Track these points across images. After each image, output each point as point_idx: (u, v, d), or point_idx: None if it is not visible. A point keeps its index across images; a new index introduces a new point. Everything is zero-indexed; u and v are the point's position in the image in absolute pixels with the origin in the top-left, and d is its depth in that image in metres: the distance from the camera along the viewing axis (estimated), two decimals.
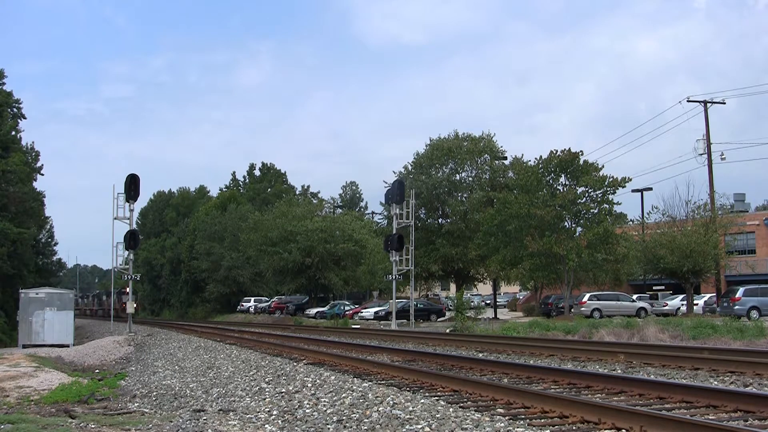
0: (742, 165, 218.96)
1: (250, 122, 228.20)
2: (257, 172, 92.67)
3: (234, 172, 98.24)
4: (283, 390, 12.25)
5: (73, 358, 26.24)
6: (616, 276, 42.15)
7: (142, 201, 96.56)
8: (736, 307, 34.58)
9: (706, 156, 41.51)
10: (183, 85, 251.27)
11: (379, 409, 9.56)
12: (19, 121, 55.14)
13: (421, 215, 49.96)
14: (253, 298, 67.62)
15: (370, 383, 12.04)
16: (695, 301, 42.36)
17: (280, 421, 9.78)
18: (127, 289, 71.19)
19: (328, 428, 8.96)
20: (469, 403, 9.93)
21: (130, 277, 36.89)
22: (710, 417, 8.39)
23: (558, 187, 39.28)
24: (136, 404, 13.13)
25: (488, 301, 61.63)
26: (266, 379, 13.91)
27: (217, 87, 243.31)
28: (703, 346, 17.83)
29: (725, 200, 45.14)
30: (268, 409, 10.73)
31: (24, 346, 32.06)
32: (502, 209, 39.85)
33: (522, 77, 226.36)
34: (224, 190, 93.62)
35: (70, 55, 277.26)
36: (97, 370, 21.54)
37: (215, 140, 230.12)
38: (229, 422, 9.98)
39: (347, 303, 55.44)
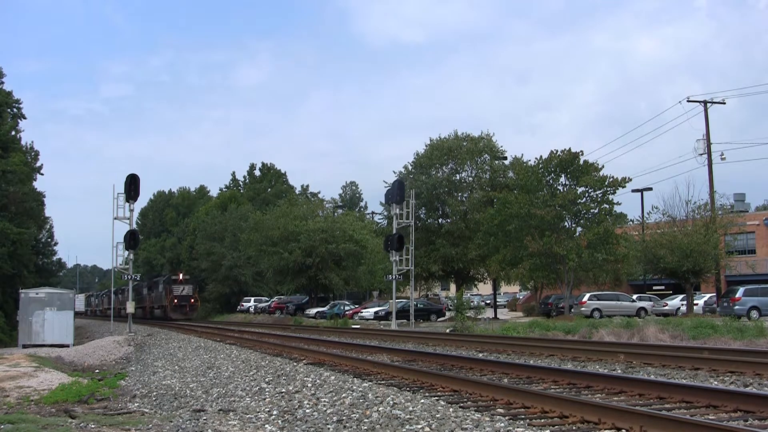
0: (742, 165, 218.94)
1: (250, 122, 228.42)
2: (257, 172, 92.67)
3: (234, 172, 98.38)
4: (283, 390, 12.25)
5: (73, 358, 26.22)
6: (616, 276, 42.17)
7: (142, 201, 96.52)
8: (736, 307, 34.58)
9: (706, 156, 41.53)
10: (182, 84, 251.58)
11: (379, 409, 9.56)
12: (19, 121, 55.10)
13: (421, 215, 49.97)
14: (253, 298, 67.62)
15: (370, 383, 12.04)
16: (695, 301, 42.37)
17: (280, 421, 9.78)
18: (181, 276, 59.06)
19: (328, 428, 8.96)
20: (469, 403, 9.93)
21: (129, 277, 36.85)
22: (710, 417, 8.39)
23: (558, 187, 39.31)
24: (136, 404, 13.13)
25: (488, 301, 61.63)
26: (266, 379, 13.91)
27: (217, 86, 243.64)
28: (703, 346, 17.83)
29: (725, 200, 45.23)
30: (268, 409, 10.73)
31: (24, 346, 32.04)
32: (502, 209, 39.87)
33: (522, 76, 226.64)
34: (224, 190, 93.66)
35: (69, 55, 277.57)
36: (97, 370, 21.53)
37: (215, 140, 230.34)
38: (229, 422, 9.98)
39: (347, 303, 55.42)
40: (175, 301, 56.96)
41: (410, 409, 9.32)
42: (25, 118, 55.98)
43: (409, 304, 40.15)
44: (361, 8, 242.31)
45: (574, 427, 8.11)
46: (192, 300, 58.77)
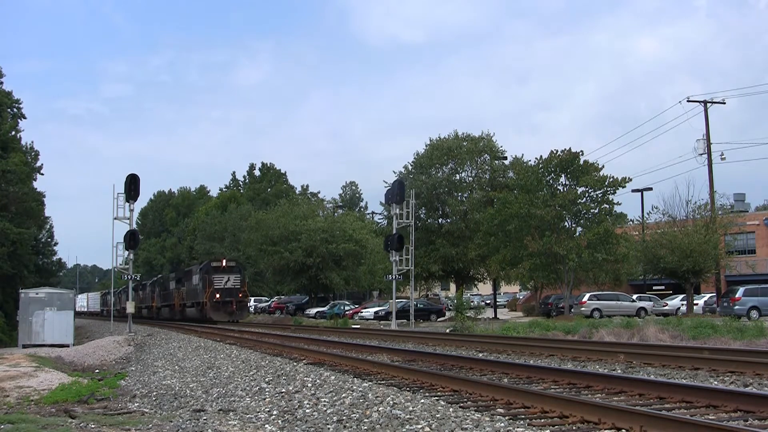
0: (742, 165, 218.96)
1: (250, 121, 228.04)
2: (257, 172, 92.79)
3: (234, 172, 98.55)
4: (283, 390, 12.25)
5: (73, 358, 26.21)
6: (616, 276, 42.21)
7: (142, 201, 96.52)
8: (736, 307, 34.61)
9: (706, 156, 41.55)
10: (182, 84, 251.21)
11: (379, 409, 9.56)
12: (19, 120, 55.08)
13: (421, 215, 49.97)
14: (253, 298, 67.60)
15: (370, 383, 12.04)
16: (695, 301, 42.38)
17: (280, 421, 9.78)
18: (224, 263, 45.96)
19: (328, 428, 8.96)
20: (469, 403, 9.92)
21: (129, 277, 36.84)
22: (710, 417, 8.39)
23: (558, 187, 39.35)
24: (136, 404, 13.12)
25: (488, 301, 61.63)
26: (266, 379, 13.91)
27: (217, 86, 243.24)
28: (703, 346, 17.83)
29: (725, 200, 45.32)
30: (268, 409, 10.73)
31: (24, 346, 32.03)
32: (502, 209, 39.89)
33: (522, 76, 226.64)
34: (224, 190, 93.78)
35: (69, 55, 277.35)
36: (97, 370, 21.52)
37: (215, 140, 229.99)
38: (229, 422, 9.98)
39: (347, 303, 55.44)
40: (217, 296, 43.29)
41: (410, 409, 9.31)
42: (25, 118, 55.99)
43: (409, 304, 40.15)
44: (361, 8, 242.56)
45: (574, 427, 8.10)
46: (240, 294, 44.50)
